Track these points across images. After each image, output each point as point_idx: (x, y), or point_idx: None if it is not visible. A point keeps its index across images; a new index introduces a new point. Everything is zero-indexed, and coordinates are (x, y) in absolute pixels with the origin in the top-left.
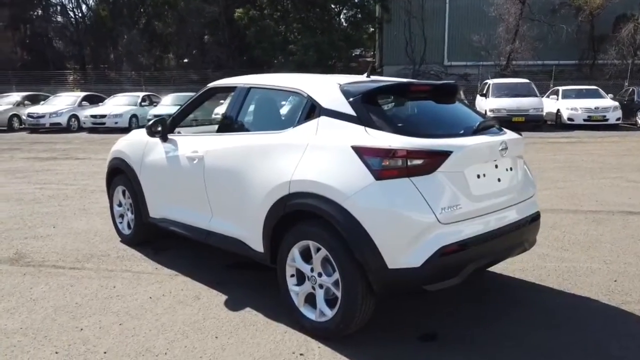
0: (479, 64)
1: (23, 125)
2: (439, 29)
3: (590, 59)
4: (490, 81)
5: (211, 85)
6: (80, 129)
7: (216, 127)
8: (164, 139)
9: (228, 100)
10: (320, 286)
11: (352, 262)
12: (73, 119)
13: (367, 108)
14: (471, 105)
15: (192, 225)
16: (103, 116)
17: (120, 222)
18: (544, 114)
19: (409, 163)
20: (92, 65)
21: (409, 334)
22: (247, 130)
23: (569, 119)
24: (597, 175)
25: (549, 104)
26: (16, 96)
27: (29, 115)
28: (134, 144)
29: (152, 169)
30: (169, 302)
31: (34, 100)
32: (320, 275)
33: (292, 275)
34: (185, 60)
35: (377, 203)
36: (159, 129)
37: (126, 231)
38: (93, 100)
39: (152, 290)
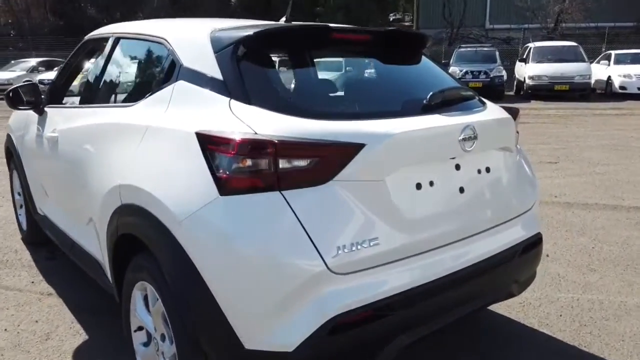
0: (524, 26)
1: None
2: None
3: None
4: (532, 44)
5: (87, 37)
6: None
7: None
8: (40, 111)
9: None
10: (164, 356)
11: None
12: None
13: (242, 67)
14: (509, 72)
15: (62, 231)
16: None
17: (20, 215)
18: (592, 81)
19: (281, 165)
20: None
21: None
22: (102, 101)
23: (621, 87)
24: None
25: (599, 71)
26: (32, 62)
27: (40, 82)
28: (18, 118)
29: (28, 151)
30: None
31: (49, 66)
32: (163, 338)
33: (140, 329)
34: None
35: (221, 235)
36: (32, 98)
37: (24, 226)
38: None
39: None
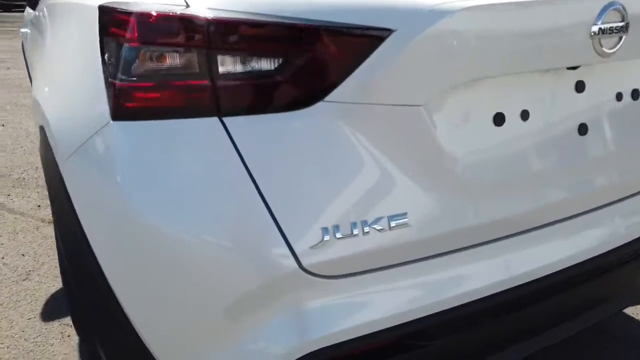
0: None
1: None
2: None
3: None
4: None
5: None
6: None
7: None
8: (32, 5)
9: None
10: None
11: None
12: None
13: None
14: None
15: None
16: None
17: None
18: None
19: (222, 68)
20: None
21: None
22: None
23: None
24: None
25: None
26: None
27: None
28: (27, 15)
29: (27, 55)
30: None
31: None
32: None
33: None
34: None
35: (111, 190)
36: None
37: None
38: None
39: None
